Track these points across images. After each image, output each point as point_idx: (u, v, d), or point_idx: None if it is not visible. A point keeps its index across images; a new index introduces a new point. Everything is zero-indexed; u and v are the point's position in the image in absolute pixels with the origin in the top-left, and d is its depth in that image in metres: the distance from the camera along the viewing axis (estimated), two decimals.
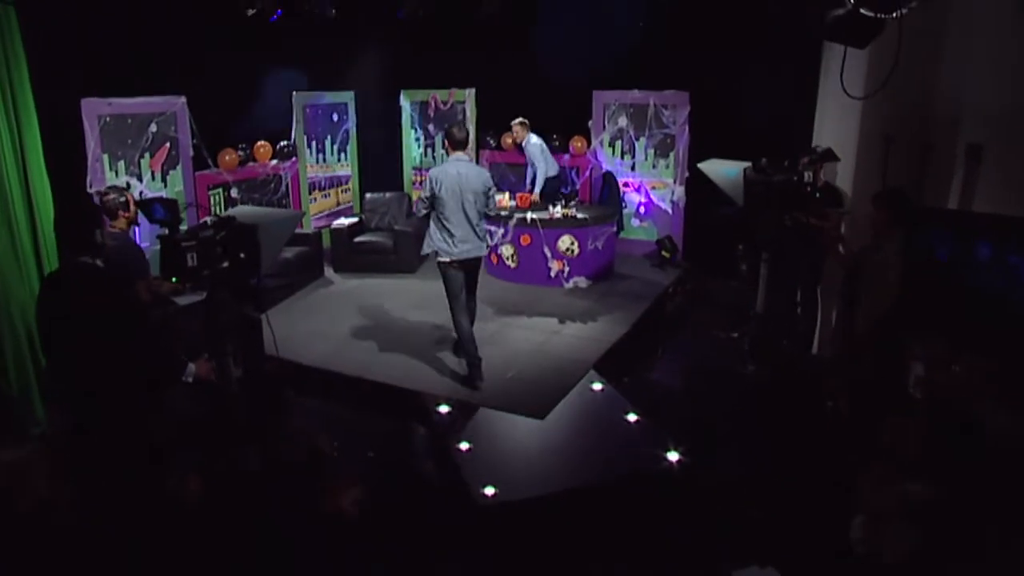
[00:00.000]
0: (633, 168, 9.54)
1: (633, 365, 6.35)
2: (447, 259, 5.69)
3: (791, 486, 4.16)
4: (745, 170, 5.75)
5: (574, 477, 4.60)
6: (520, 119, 8.91)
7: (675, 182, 9.32)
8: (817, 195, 5.62)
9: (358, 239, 8.84)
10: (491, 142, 10.22)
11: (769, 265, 6.37)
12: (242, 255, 3.95)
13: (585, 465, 4.75)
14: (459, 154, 5.66)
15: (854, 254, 5.20)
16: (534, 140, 8.74)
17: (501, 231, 8.33)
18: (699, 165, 6.03)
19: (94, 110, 7.00)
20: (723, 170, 5.83)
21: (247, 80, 8.50)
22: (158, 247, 3.72)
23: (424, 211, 5.76)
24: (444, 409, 5.45)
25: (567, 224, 8.14)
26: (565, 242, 8.14)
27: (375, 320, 7.22)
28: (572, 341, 6.67)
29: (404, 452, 5.15)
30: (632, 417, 5.30)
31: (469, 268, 5.85)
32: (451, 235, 5.61)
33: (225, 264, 3.95)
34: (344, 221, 9.02)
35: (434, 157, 10.79)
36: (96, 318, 3.55)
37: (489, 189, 5.76)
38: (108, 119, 7.16)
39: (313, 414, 5.57)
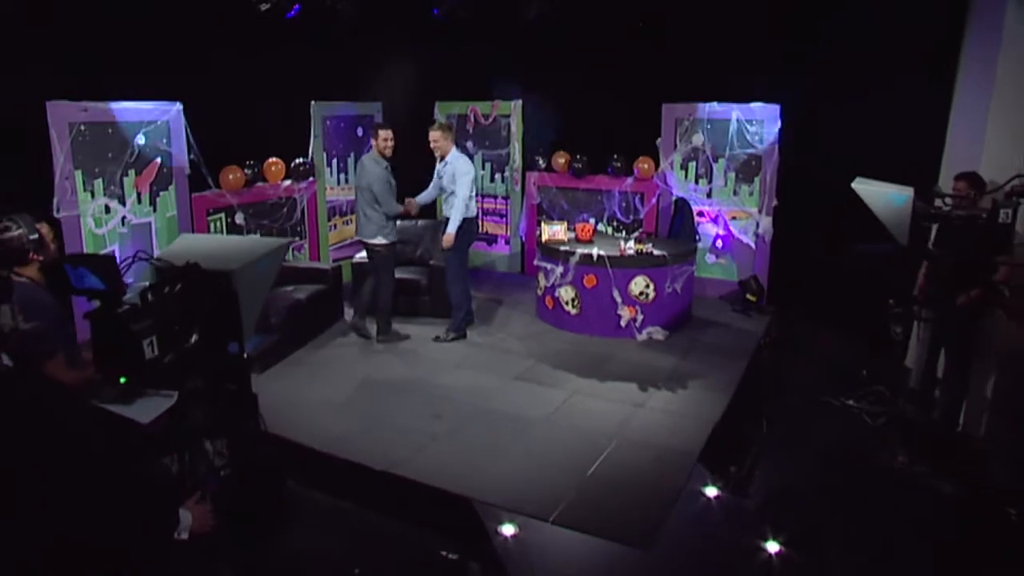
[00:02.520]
0: (710, 195, 8.06)
1: (745, 454, 4.82)
2: None
3: None
4: (915, 201, 4.27)
5: None
6: (443, 121, 7.09)
7: (760, 211, 7.83)
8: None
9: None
10: (540, 163, 8.78)
11: (934, 327, 4.88)
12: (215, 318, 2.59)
13: None
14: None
15: None
16: (465, 164, 6.56)
17: (559, 270, 6.85)
18: (854, 185, 4.62)
19: (64, 116, 5.63)
20: (887, 196, 4.36)
21: (256, 86, 7.13)
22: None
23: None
24: (507, 529, 3.92)
25: (641, 263, 6.65)
26: (639, 284, 6.65)
27: (404, 385, 5.73)
28: (662, 418, 5.15)
29: None
30: (772, 546, 3.77)
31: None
32: None
33: (194, 339, 2.57)
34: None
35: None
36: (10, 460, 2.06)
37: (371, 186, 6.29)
38: (83, 128, 5.79)
39: (327, 528, 4.06)
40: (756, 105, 7.62)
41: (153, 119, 6.30)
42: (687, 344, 6.61)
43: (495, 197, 9.30)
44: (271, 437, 3.20)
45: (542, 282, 7.17)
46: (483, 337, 6.84)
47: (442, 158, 6.64)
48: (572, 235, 7.36)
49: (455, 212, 6.41)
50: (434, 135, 6.55)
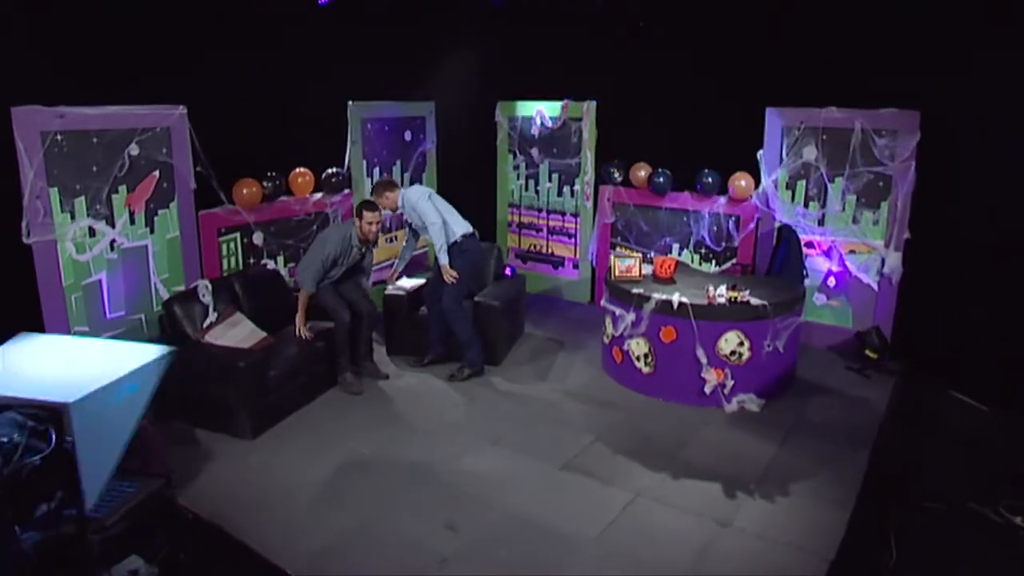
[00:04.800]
0: (822, 222, 6.53)
1: None
2: None
3: None
4: None
5: None
6: (377, 182, 6.05)
7: (887, 245, 6.26)
8: None
9: (424, 311, 6.22)
10: (616, 176, 7.44)
11: None
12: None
13: None
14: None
15: None
16: (413, 192, 5.84)
17: (631, 317, 5.54)
18: None
19: (35, 123, 4.72)
20: None
21: (279, 84, 6.12)
22: None
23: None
24: None
25: (734, 315, 5.26)
26: (730, 342, 5.26)
27: (419, 469, 4.56)
28: (755, 546, 3.79)
29: None
30: None
31: None
32: None
33: None
34: (405, 284, 6.43)
35: (536, 191, 8.13)
36: None
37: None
38: (59, 137, 4.87)
39: None
40: (887, 111, 6.04)
41: (150, 126, 5.34)
42: (789, 420, 5.18)
43: (562, 214, 8.02)
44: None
45: (609, 329, 5.87)
46: (534, 391, 5.63)
47: (393, 211, 5.94)
48: (649, 270, 6.03)
49: (435, 242, 5.67)
50: (375, 199, 5.76)
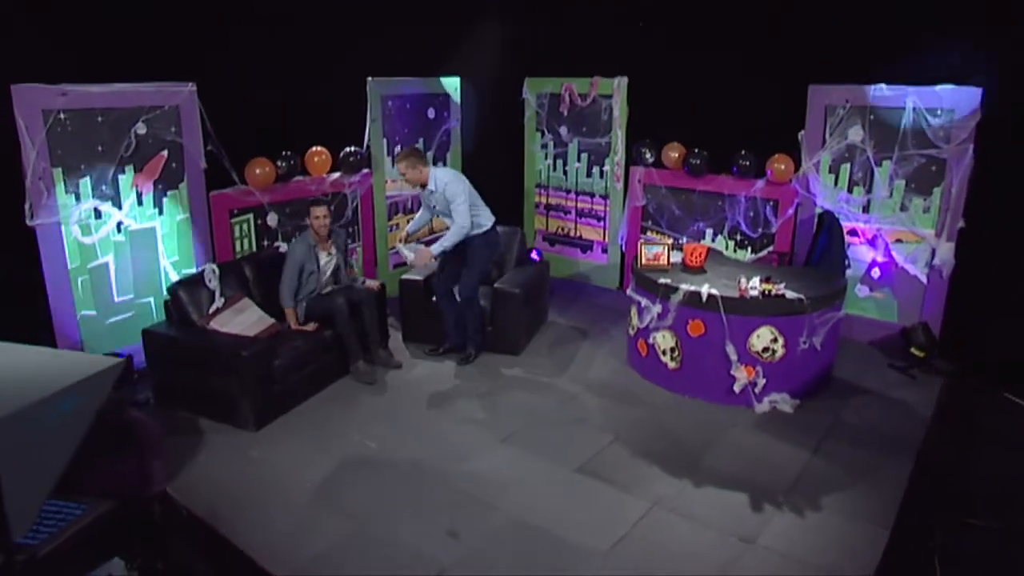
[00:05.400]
0: (867, 208, 6.09)
1: None
2: None
3: None
4: None
5: None
6: (409, 149, 5.57)
7: (938, 235, 5.80)
8: None
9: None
10: (647, 156, 7.06)
11: None
12: None
13: None
14: None
15: None
16: (447, 173, 5.51)
17: (657, 308, 5.22)
18: None
19: (36, 102, 4.57)
20: None
21: (294, 59, 5.88)
22: None
23: None
24: None
25: (768, 309, 4.90)
26: (763, 338, 4.91)
27: (424, 468, 4.35)
28: (781, 567, 3.48)
29: None
30: None
31: None
32: None
33: None
34: (409, 253, 6.14)
35: (565, 171, 7.80)
36: None
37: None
38: (62, 116, 4.71)
39: None
40: (944, 88, 5.56)
41: (157, 104, 5.16)
42: (825, 423, 4.82)
43: (591, 195, 7.68)
44: None
45: (635, 320, 5.56)
46: (552, 384, 5.37)
47: (423, 187, 5.47)
48: (679, 258, 5.68)
49: (458, 227, 5.30)
50: (400, 167, 5.39)
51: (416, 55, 6.98)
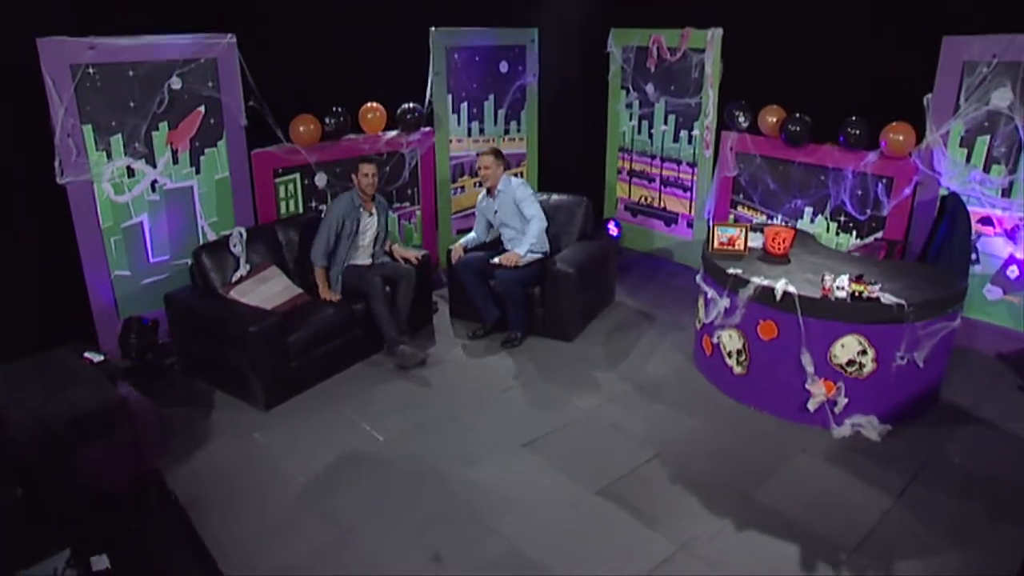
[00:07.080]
0: (1008, 192, 4.99)
1: None
2: None
3: None
4: None
5: None
6: (496, 148, 5.43)
7: None
8: None
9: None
10: (741, 120, 6.16)
11: None
12: None
13: None
14: None
15: None
16: (521, 184, 5.41)
17: (724, 302, 4.48)
18: None
19: (64, 56, 4.38)
20: None
21: (345, 6, 5.44)
22: None
23: None
24: None
25: (858, 314, 4.05)
26: (848, 348, 4.09)
27: (426, 472, 3.91)
28: None
29: None
30: None
31: None
32: None
33: None
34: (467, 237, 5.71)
35: (650, 134, 7.02)
36: None
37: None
38: (91, 71, 4.52)
39: None
40: None
41: (193, 57, 4.88)
42: (919, 459, 3.96)
43: (678, 163, 6.87)
44: None
45: (701, 313, 4.85)
46: (599, 380, 4.78)
47: (490, 191, 5.42)
48: (759, 243, 4.88)
49: (532, 238, 5.23)
50: (486, 160, 5.30)
51: (487, 3, 6.36)
